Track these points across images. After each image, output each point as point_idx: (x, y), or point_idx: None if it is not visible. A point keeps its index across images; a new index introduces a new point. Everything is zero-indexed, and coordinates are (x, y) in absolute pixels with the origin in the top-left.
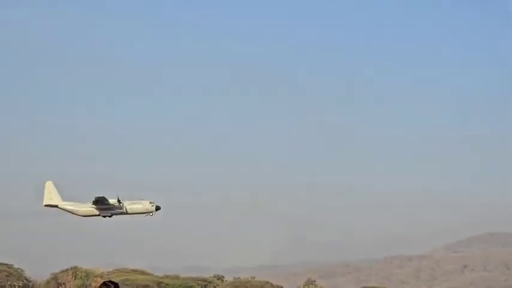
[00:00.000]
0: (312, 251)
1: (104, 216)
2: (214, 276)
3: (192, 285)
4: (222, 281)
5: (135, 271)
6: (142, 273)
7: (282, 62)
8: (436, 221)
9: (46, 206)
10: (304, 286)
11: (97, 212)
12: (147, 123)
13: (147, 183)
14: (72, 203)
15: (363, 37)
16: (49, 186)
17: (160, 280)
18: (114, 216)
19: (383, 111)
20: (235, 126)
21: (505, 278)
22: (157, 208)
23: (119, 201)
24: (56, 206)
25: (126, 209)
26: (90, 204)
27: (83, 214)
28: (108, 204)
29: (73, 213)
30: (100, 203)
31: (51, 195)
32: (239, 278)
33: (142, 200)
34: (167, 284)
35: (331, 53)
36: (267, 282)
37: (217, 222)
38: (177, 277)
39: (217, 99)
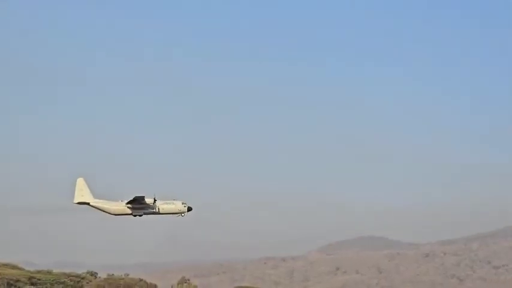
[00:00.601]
0: (187, 250)
1: (135, 216)
2: (88, 273)
3: (64, 281)
4: (95, 277)
5: (6, 265)
6: (14, 267)
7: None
8: (310, 224)
9: (78, 203)
10: (178, 285)
11: (129, 211)
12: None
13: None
14: (103, 201)
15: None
16: (80, 183)
17: (32, 275)
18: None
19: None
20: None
21: (377, 281)
22: (189, 209)
23: (155, 200)
24: (88, 204)
25: (158, 208)
26: (123, 203)
27: (114, 213)
28: (144, 203)
29: (104, 212)
30: (137, 202)
31: (82, 192)
32: (113, 274)
33: (174, 200)
34: (39, 279)
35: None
36: (141, 280)
37: (93, 220)
38: (49, 272)
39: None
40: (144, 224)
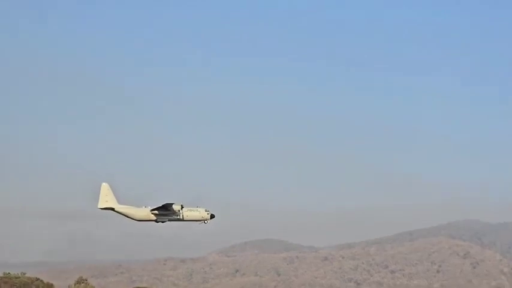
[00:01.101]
0: (85, 249)
1: (157, 222)
2: None
3: None
4: None
5: None
6: None
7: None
8: (210, 225)
9: (102, 209)
10: (75, 285)
11: (153, 217)
12: None
13: None
14: (128, 206)
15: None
16: (104, 188)
17: None
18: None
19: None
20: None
21: (275, 283)
22: (212, 216)
23: (182, 207)
24: (112, 209)
25: (183, 215)
26: (147, 209)
27: (138, 219)
28: (171, 210)
29: (128, 217)
30: (164, 208)
31: (107, 197)
32: (9, 273)
33: (198, 207)
34: None
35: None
36: (37, 279)
37: None
38: None
39: None
40: (42, 222)
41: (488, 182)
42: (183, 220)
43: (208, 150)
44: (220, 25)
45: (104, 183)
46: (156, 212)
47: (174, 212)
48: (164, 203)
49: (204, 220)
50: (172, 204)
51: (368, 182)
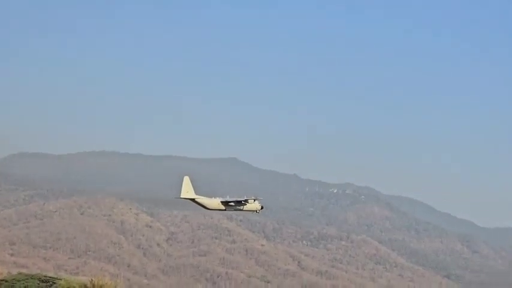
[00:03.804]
0: None
1: (225, 210)
2: None
3: None
4: None
5: None
6: None
7: None
8: None
9: (181, 198)
10: None
11: (223, 207)
12: None
13: None
14: (203, 197)
15: None
16: (187, 181)
17: None
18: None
19: None
20: None
21: None
22: (262, 207)
23: (254, 200)
24: (192, 200)
25: (243, 207)
26: (218, 200)
27: (211, 208)
28: (245, 203)
29: (203, 206)
30: (238, 201)
31: (187, 188)
32: None
33: (255, 200)
34: None
35: None
36: None
37: None
38: None
39: None
40: None
41: None
42: (242, 210)
43: None
44: None
45: (186, 177)
46: (232, 203)
47: (244, 205)
48: (245, 198)
49: (256, 210)
50: (248, 199)
51: None
